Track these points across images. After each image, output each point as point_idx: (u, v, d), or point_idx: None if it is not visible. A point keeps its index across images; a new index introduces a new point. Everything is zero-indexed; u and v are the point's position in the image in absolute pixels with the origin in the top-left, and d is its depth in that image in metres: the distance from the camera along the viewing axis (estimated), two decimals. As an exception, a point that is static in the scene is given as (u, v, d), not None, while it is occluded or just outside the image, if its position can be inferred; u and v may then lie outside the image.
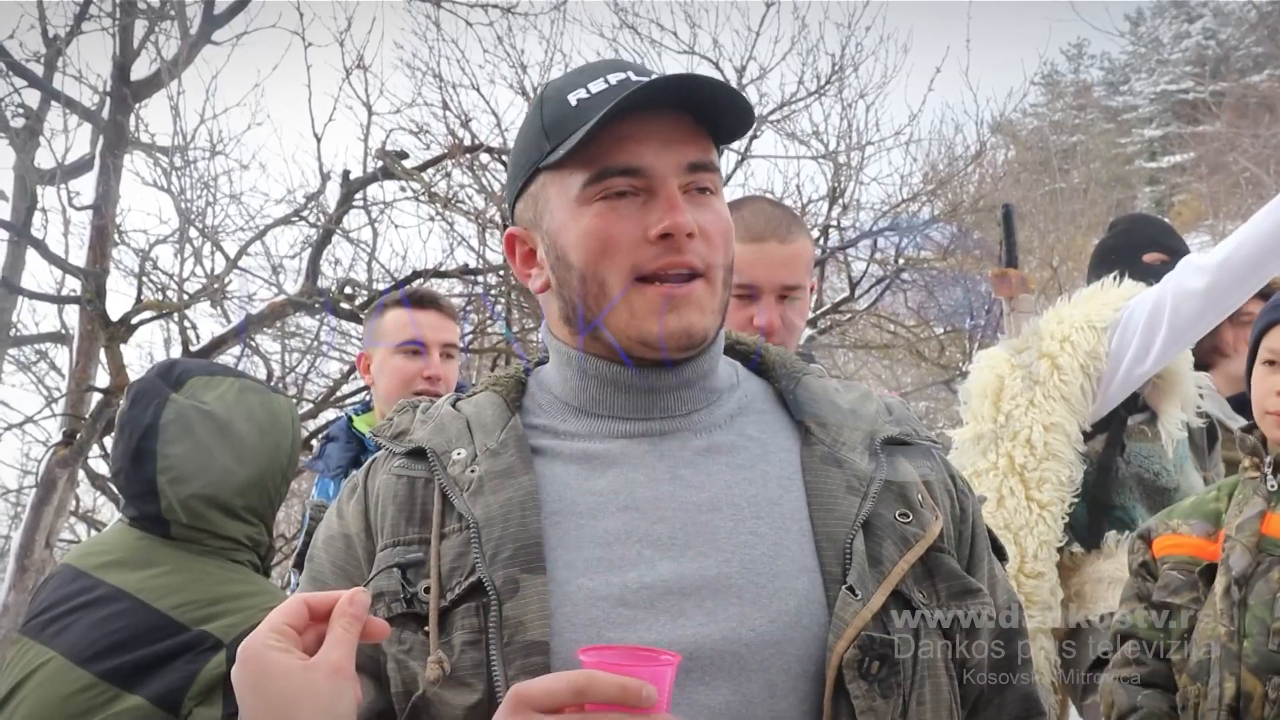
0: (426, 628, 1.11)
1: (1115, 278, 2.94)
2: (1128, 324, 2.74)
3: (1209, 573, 2.00)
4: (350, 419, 2.91)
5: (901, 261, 9.11)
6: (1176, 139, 31.26)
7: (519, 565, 1.11)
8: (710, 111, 1.20)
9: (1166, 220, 3.43)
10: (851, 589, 1.10)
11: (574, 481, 1.18)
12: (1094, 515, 2.81)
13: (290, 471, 2.19)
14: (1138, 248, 3.18)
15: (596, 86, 1.20)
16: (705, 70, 8.38)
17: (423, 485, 1.20)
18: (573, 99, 1.20)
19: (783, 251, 2.12)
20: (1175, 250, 3.16)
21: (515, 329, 8.00)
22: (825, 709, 1.08)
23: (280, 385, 7.46)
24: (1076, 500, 2.76)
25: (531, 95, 7.80)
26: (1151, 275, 2.92)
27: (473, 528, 1.13)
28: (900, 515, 1.17)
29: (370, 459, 1.30)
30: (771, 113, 8.55)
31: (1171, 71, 34.61)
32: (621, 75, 1.21)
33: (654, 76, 1.19)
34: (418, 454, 1.22)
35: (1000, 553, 1.31)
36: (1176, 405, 2.80)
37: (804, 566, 1.13)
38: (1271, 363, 2.12)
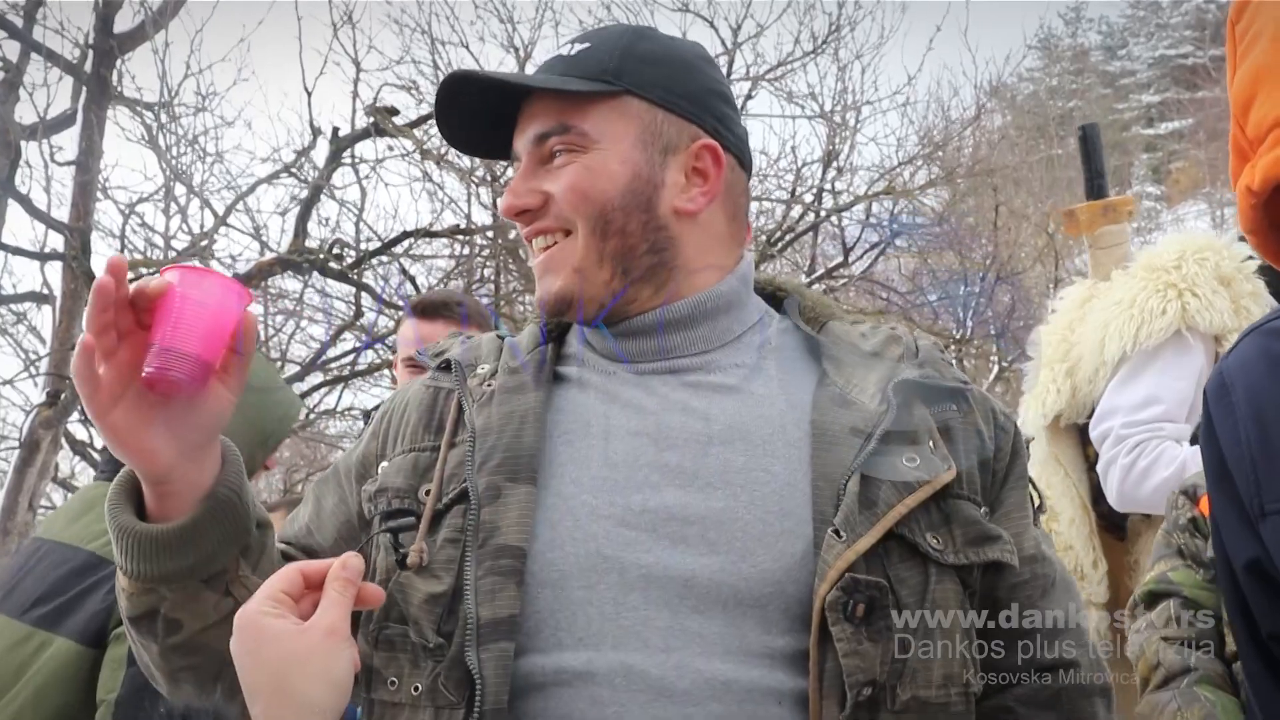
0: (420, 526, 1.16)
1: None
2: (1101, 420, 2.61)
3: None
4: None
5: (896, 228, 9.04)
6: (1175, 105, 31.08)
7: (504, 474, 1.14)
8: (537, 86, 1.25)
9: None
10: (837, 531, 1.08)
11: (591, 405, 1.21)
12: None
13: (274, 437, 2.20)
14: None
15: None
16: (699, 28, 8.26)
17: (445, 395, 1.26)
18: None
19: None
20: None
21: (507, 289, 7.92)
22: (811, 653, 1.06)
23: (264, 348, 7.39)
24: None
25: (521, 53, 7.69)
26: None
27: (471, 438, 1.18)
28: (907, 460, 1.14)
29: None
30: (767, 72, 8.44)
31: (1170, 36, 34.38)
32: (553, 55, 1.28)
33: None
34: (448, 367, 1.29)
35: (1039, 507, 1.29)
36: None
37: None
38: None
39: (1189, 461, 2.45)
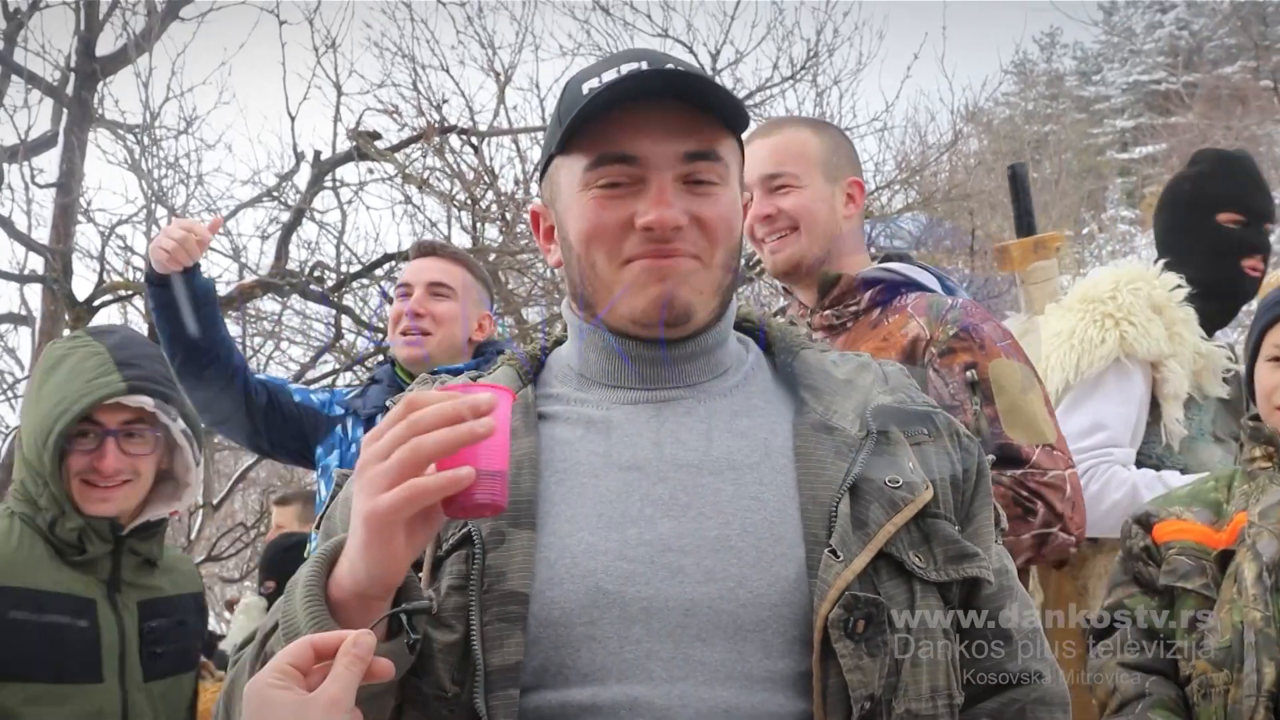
0: (421, 574, 1.16)
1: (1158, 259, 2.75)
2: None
3: (1223, 559, 1.98)
4: (394, 365, 3.01)
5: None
6: (1149, 130, 31.35)
7: (506, 519, 1.14)
8: (714, 103, 1.22)
9: (1251, 161, 2.95)
10: (834, 551, 1.12)
11: (578, 443, 1.22)
12: None
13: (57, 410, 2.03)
14: (1214, 204, 2.82)
15: (609, 76, 1.21)
16: (678, 54, 8.31)
17: None
18: (585, 88, 1.22)
19: (762, 146, 2.24)
20: (1256, 211, 2.82)
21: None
22: (814, 670, 1.09)
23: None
24: None
25: (502, 77, 7.75)
26: (1224, 241, 2.76)
27: None
28: (890, 480, 1.18)
29: None
30: (746, 98, 8.51)
31: (1144, 62, 34.74)
32: (635, 65, 1.21)
33: (650, 68, 1.21)
34: None
35: (997, 520, 1.32)
36: (1177, 406, 2.65)
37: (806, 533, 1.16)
38: (1277, 359, 2.11)
39: (1139, 485, 2.49)
